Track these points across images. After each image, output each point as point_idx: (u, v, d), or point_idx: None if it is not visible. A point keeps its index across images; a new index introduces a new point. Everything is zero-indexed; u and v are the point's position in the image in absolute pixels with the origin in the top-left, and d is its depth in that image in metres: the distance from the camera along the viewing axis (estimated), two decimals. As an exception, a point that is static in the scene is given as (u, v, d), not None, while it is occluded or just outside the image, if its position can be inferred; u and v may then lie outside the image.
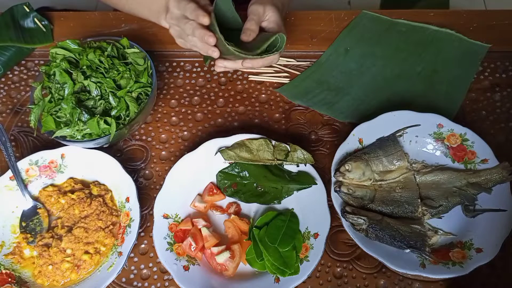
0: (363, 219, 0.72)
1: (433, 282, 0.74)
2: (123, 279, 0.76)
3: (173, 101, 0.93)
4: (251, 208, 0.81)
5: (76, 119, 0.77)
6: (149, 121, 0.91)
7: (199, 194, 0.81)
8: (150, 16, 0.89)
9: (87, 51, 0.82)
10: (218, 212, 0.80)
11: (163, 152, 0.88)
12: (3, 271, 0.74)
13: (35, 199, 0.81)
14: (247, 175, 0.81)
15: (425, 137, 0.83)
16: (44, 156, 0.82)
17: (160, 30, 0.96)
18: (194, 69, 0.97)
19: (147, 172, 0.86)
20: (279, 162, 0.81)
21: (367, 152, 0.79)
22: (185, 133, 0.90)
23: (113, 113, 0.79)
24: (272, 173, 0.80)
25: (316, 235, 0.74)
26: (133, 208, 0.76)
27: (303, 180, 0.79)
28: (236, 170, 0.82)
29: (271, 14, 0.79)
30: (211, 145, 0.82)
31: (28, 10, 0.98)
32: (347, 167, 0.77)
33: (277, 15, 0.79)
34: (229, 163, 0.82)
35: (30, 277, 0.75)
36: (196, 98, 0.94)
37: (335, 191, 0.76)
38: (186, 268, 0.73)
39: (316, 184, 0.78)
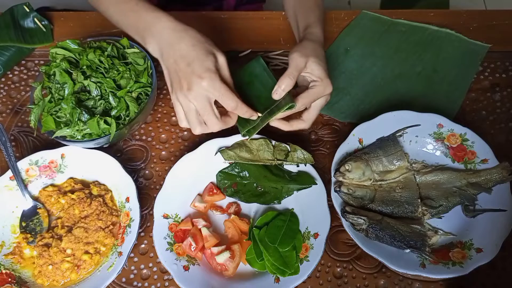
0: (363, 219, 0.72)
1: (433, 282, 0.74)
2: (123, 279, 0.76)
3: (173, 101, 0.93)
4: (251, 208, 0.81)
5: (76, 119, 0.77)
6: (149, 121, 0.91)
7: (199, 194, 0.81)
8: (135, 35, 0.76)
9: (87, 51, 0.82)
10: (218, 212, 0.80)
11: (163, 152, 0.88)
12: (3, 271, 0.74)
13: (35, 199, 0.81)
14: (247, 175, 0.81)
15: (425, 137, 0.82)
16: (44, 156, 0.82)
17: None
18: (194, 69, 0.97)
19: (147, 172, 0.86)
20: (279, 162, 0.81)
21: (367, 152, 0.79)
22: (185, 133, 0.90)
23: (113, 113, 0.79)
24: (272, 173, 0.80)
25: (316, 235, 0.74)
26: (133, 208, 0.76)
27: (303, 180, 0.79)
28: (236, 170, 0.82)
29: (314, 67, 0.73)
30: (211, 145, 0.82)
31: (28, 10, 0.98)
32: (347, 167, 0.77)
33: (321, 68, 0.73)
34: (229, 163, 0.82)
35: (30, 277, 0.75)
36: (196, 98, 0.93)
37: (335, 191, 0.76)
38: (186, 268, 0.73)
39: (316, 184, 0.78)
